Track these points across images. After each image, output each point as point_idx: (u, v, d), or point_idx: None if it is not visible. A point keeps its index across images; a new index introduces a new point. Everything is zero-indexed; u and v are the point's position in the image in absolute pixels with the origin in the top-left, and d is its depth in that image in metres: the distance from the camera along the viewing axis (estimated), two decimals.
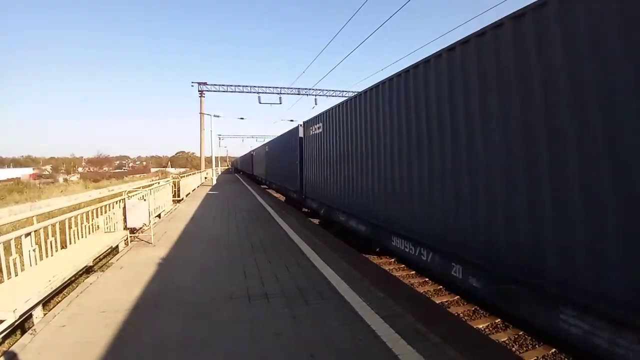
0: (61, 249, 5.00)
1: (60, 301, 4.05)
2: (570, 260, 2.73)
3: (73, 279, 4.70)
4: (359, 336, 3.05)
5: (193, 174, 23.32)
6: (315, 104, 36.16)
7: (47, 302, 3.93)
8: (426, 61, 4.64)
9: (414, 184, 4.99)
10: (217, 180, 28.24)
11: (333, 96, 37.57)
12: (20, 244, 4.05)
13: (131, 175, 60.03)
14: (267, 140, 26.11)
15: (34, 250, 4.22)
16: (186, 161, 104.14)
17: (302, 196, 11.81)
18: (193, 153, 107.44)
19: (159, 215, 9.94)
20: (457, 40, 4.05)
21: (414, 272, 6.48)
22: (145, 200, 7.47)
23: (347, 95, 36.28)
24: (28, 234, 4.14)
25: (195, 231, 8.06)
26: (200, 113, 35.78)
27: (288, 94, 36.25)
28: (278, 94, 35.86)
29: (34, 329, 3.26)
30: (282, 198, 17.07)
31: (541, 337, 4.11)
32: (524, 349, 4.01)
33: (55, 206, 5.40)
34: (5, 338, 3.27)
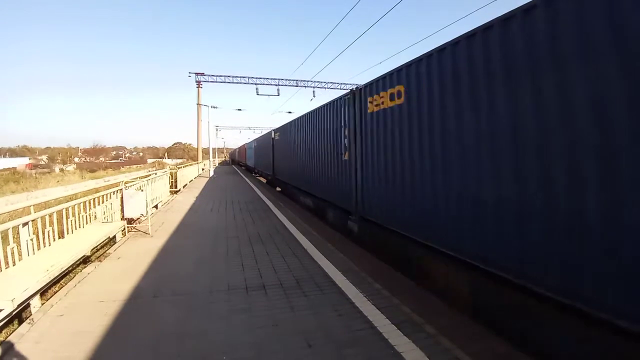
0: (59, 238, 4.99)
1: (58, 291, 4.05)
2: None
3: (71, 268, 4.70)
4: (355, 327, 3.08)
5: (190, 165, 23.25)
6: (314, 95, 35.98)
7: (45, 292, 3.94)
8: None
9: None
10: (214, 171, 28.17)
11: (332, 88, 37.40)
12: (18, 233, 4.04)
13: (128, 166, 59.79)
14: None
15: (31, 239, 4.21)
16: (183, 152, 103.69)
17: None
18: (190, 144, 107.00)
19: (156, 206, 9.92)
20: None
21: None
22: (142, 190, 7.44)
23: (345, 88, 36.08)
24: (25, 224, 4.13)
25: (192, 222, 8.06)
26: (198, 104, 35.52)
27: (286, 85, 36.06)
28: (276, 85, 35.69)
29: (32, 319, 3.27)
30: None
31: None
32: None
33: (52, 196, 5.37)
34: (2, 327, 3.27)
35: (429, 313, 3.33)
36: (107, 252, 5.59)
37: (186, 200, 11.74)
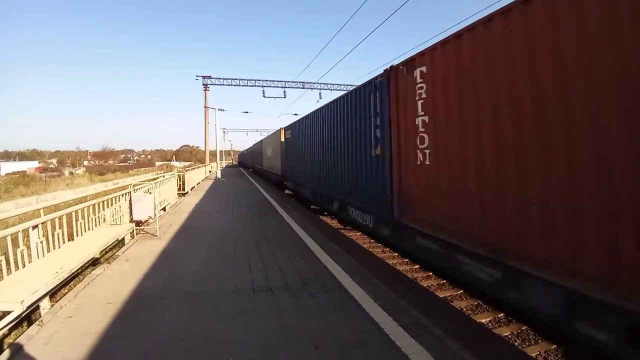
0: (68, 241, 5.05)
1: (67, 293, 4.11)
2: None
3: (80, 270, 4.75)
4: (362, 328, 3.06)
5: (198, 167, 23.41)
6: (320, 97, 35.96)
7: (54, 294, 3.98)
8: None
9: None
10: (221, 174, 28.31)
11: (338, 90, 37.31)
12: (28, 236, 4.09)
13: (136, 169, 60.36)
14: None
15: (41, 242, 4.27)
16: (191, 155, 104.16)
17: None
18: (197, 147, 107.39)
19: (164, 209, 10.00)
20: None
21: (417, 266, 6.47)
22: (150, 193, 7.51)
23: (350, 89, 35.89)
24: (35, 226, 4.18)
25: (200, 224, 8.11)
26: (205, 107, 35.76)
27: (292, 87, 36.03)
28: (282, 87, 35.67)
29: (41, 320, 3.31)
30: None
31: (544, 332, 4.10)
32: (527, 343, 4.01)
33: (61, 199, 5.45)
34: (12, 329, 3.33)
35: (436, 315, 3.30)
36: (115, 254, 5.64)
37: (194, 203, 11.82)
